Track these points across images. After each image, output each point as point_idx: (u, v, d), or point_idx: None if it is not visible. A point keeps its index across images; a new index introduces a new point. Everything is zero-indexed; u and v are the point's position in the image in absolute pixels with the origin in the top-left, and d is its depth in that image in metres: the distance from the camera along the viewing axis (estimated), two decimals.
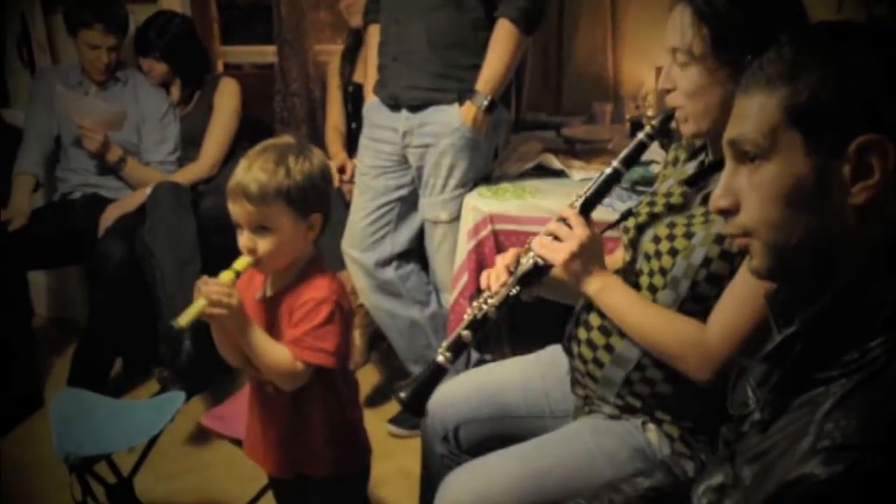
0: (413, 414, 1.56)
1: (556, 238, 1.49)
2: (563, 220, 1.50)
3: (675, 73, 1.42)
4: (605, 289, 1.48)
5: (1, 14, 3.28)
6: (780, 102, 0.92)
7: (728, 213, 1.00)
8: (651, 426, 1.49)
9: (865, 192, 0.88)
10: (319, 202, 1.53)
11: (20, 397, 2.81)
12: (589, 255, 1.47)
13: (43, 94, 3.04)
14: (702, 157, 1.55)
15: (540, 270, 1.51)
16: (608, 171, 1.52)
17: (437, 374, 1.51)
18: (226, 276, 1.46)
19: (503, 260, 1.58)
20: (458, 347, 1.51)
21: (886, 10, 2.07)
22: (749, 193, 0.97)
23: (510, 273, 1.54)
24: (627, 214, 1.59)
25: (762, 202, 0.95)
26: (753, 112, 0.95)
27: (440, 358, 1.50)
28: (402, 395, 1.49)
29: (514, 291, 1.51)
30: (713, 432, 1.19)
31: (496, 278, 1.55)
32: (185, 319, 1.41)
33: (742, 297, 1.34)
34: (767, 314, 1.03)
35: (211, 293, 1.41)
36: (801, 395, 0.92)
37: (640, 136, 1.50)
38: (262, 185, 1.45)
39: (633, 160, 1.53)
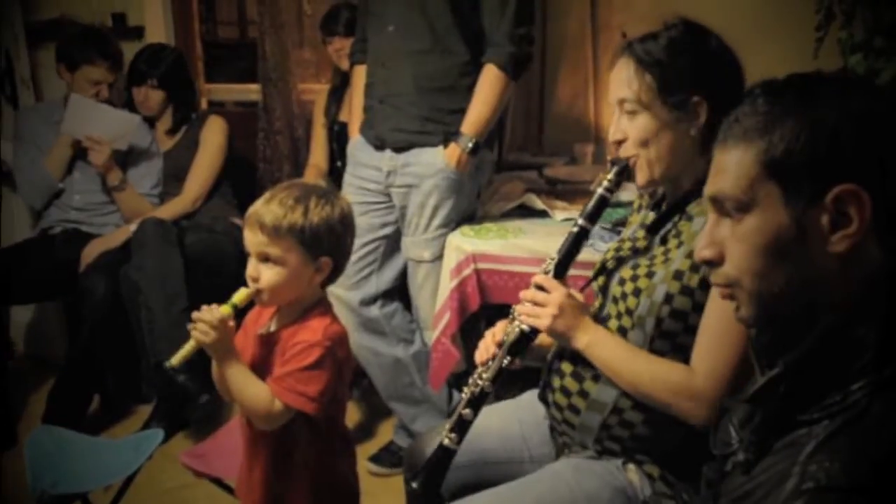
0: (429, 501, 1.57)
1: (537, 304, 1.52)
2: (539, 286, 1.53)
3: (624, 123, 1.48)
4: (593, 344, 1.49)
5: None
6: (757, 156, 0.94)
7: (712, 263, 1.01)
8: (631, 466, 1.50)
9: (845, 241, 0.90)
10: (332, 248, 1.52)
11: None
12: (571, 314, 1.50)
13: (27, 135, 3.06)
14: (659, 199, 1.59)
15: (527, 337, 1.54)
16: (575, 229, 1.56)
17: (445, 457, 1.52)
18: (224, 309, 1.47)
19: (493, 336, 1.61)
20: (461, 427, 1.52)
21: (862, 59, 2.12)
22: (732, 244, 0.98)
23: (498, 346, 1.56)
24: (602, 269, 1.61)
25: (745, 253, 0.96)
26: (731, 167, 0.96)
27: (445, 441, 1.51)
28: (415, 484, 1.50)
29: (505, 362, 1.53)
30: (695, 472, 1.20)
31: (486, 351, 1.58)
32: (177, 359, 1.44)
33: (719, 333, 1.37)
34: (748, 346, 1.05)
35: (196, 326, 1.44)
36: (784, 436, 0.93)
37: (599, 190, 1.54)
38: (277, 218, 1.47)
39: (596, 215, 1.56)
